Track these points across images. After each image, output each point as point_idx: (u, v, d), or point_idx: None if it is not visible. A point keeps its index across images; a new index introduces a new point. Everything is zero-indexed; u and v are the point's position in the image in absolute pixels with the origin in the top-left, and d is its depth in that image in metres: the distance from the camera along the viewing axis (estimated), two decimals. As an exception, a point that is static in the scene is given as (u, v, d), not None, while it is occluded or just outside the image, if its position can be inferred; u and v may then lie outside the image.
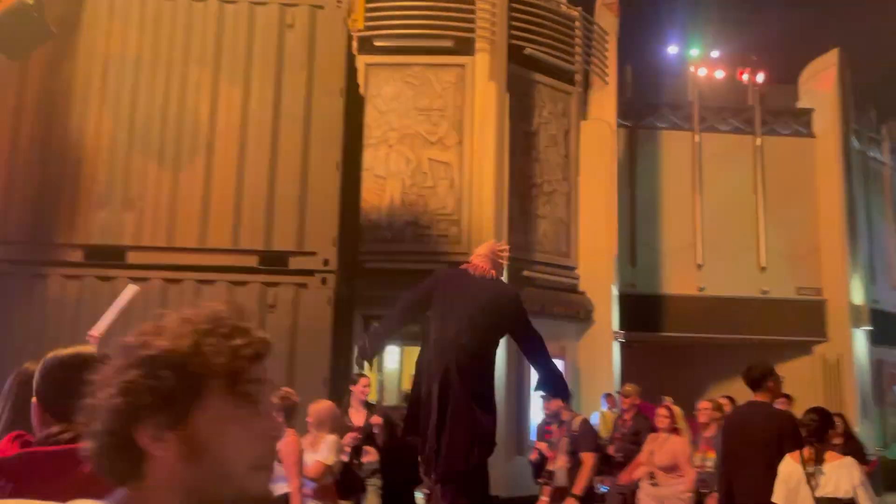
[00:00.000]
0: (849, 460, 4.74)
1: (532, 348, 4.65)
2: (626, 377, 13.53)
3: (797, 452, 4.69)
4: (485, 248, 4.78)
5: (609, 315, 13.61)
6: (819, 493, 4.52)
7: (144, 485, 0.99)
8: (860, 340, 16.15)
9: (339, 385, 7.13)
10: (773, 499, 4.75)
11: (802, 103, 17.56)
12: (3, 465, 1.59)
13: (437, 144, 12.56)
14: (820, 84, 17.38)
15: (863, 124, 18.29)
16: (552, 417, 6.86)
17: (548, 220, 13.46)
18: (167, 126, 6.85)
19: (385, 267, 11.84)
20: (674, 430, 6.62)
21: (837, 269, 16.22)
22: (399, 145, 12.59)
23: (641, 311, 14.91)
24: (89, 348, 1.92)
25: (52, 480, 1.51)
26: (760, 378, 5.26)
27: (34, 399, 1.80)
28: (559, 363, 12.99)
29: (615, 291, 13.87)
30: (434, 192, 12.47)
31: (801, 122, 17.35)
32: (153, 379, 0.96)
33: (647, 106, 16.47)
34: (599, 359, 13.18)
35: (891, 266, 18.34)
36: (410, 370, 5.42)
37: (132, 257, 6.61)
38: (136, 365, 0.97)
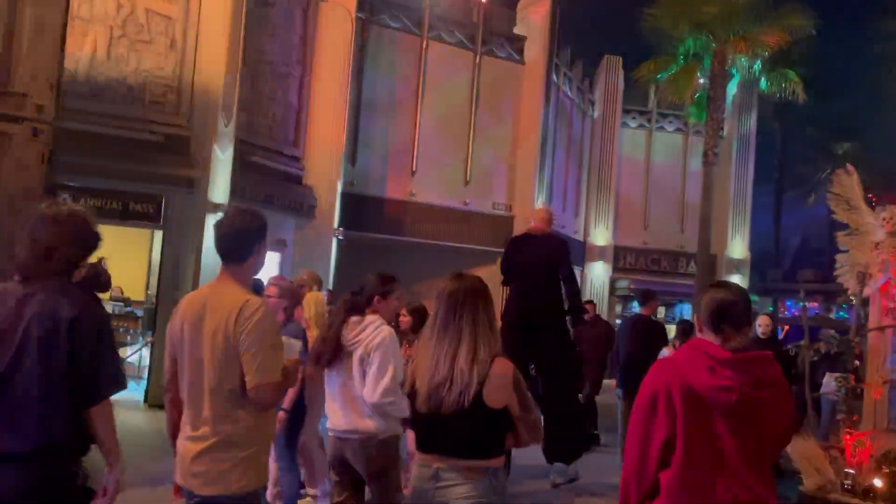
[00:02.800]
0: None
1: (569, 287, 6.83)
2: (340, 274, 13.45)
3: (671, 346, 7.62)
4: (546, 214, 7.30)
5: (332, 211, 13.24)
6: None
7: None
8: (535, 254, 18.20)
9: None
10: None
11: (518, 30, 18.56)
12: (732, 361, 2.23)
13: (159, -7, 10.62)
14: (534, 14, 18.51)
15: (561, 60, 20.05)
16: None
17: (278, 104, 12.40)
18: None
19: (80, 129, 9.90)
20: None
21: (526, 189, 17.94)
22: (109, -16, 10.39)
23: (357, 210, 14.81)
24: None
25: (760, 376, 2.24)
26: (646, 300, 8.46)
27: (697, 316, 2.39)
28: (276, 256, 12.39)
29: (340, 188, 13.50)
30: (150, 48, 10.61)
31: (514, 47, 18.37)
32: None
33: (382, 2, 15.93)
34: (318, 254, 12.81)
35: (561, 191, 20.81)
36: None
37: None
38: None
